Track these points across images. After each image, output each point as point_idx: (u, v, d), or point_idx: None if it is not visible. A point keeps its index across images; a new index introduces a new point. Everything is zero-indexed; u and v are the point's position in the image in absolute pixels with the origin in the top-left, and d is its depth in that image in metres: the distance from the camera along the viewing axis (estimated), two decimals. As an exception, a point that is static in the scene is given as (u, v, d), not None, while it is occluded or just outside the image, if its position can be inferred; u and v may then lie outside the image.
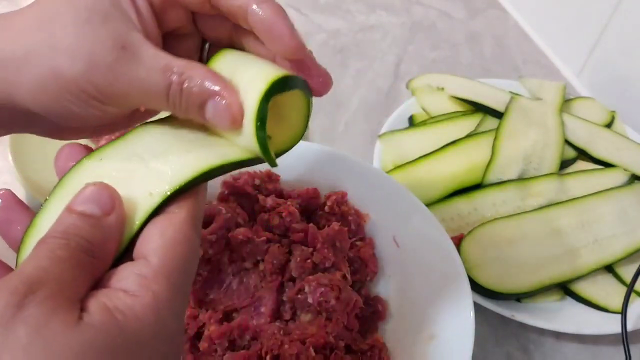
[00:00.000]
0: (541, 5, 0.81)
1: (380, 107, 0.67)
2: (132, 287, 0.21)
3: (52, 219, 0.23)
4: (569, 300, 0.49)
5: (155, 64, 0.25)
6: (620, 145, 0.59)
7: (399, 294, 0.44)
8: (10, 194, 0.27)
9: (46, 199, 0.26)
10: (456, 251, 0.43)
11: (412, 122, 0.62)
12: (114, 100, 0.26)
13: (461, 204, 0.52)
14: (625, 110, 0.62)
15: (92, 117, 0.26)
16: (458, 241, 0.48)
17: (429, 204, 0.49)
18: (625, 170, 0.55)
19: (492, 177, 0.53)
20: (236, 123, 0.25)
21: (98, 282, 0.22)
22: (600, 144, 0.58)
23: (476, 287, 0.45)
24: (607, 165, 0.56)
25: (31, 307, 0.19)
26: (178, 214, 0.24)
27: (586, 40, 0.71)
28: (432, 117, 0.61)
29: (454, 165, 0.54)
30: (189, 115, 0.26)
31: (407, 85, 0.66)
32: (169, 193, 0.24)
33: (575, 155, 0.58)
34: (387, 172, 0.53)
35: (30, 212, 0.27)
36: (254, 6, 0.26)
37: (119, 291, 0.21)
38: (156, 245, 0.23)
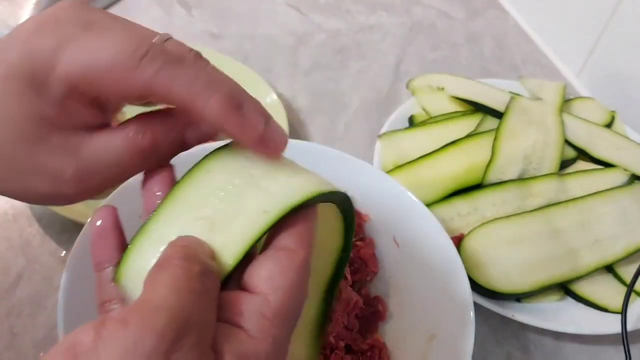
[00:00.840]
0: (541, 6, 0.81)
1: (380, 107, 0.67)
2: (253, 327, 0.21)
3: (166, 231, 0.23)
4: (569, 301, 0.49)
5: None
6: (620, 145, 0.59)
7: (399, 294, 0.44)
8: (110, 213, 0.25)
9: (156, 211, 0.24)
10: (456, 251, 0.43)
11: (412, 122, 0.62)
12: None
13: (461, 204, 0.52)
14: (625, 110, 0.62)
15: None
16: (458, 241, 0.48)
17: (429, 204, 0.49)
18: (625, 170, 0.55)
19: (492, 177, 0.53)
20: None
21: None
22: (600, 144, 0.58)
23: (476, 287, 0.45)
24: (607, 165, 0.56)
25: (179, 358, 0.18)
26: (298, 253, 0.23)
27: (586, 40, 0.71)
28: (432, 117, 0.61)
29: (454, 165, 0.54)
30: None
31: (407, 85, 0.66)
32: (284, 212, 0.23)
33: (575, 155, 0.58)
34: (387, 172, 0.53)
35: (123, 237, 0.25)
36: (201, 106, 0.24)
37: (241, 332, 0.21)
38: (278, 285, 0.22)
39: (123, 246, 0.24)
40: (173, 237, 0.23)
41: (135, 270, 0.23)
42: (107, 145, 0.26)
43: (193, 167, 0.25)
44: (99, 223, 0.25)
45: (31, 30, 0.25)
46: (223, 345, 0.20)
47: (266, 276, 0.22)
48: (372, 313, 0.43)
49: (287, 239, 0.24)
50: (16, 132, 0.24)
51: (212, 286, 0.21)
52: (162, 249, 0.22)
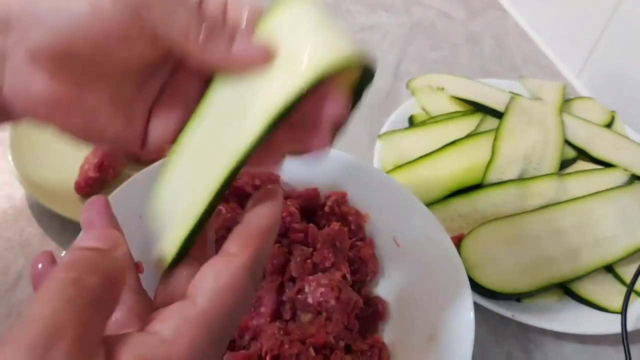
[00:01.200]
0: (541, 6, 0.81)
1: (380, 107, 0.67)
2: (169, 331, 0.21)
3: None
4: (569, 300, 0.49)
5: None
6: (620, 145, 0.59)
7: (399, 294, 0.44)
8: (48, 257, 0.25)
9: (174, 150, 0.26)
10: (456, 251, 0.43)
11: (412, 122, 0.62)
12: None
13: (461, 204, 0.52)
14: (625, 110, 0.62)
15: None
16: (458, 241, 0.48)
17: (429, 204, 0.49)
18: (625, 170, 0.55)
19: (492, 177, 0.53)
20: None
21: (142, 319, 0.22)
22: (600, 144, 0.58)
23: (476, 287, 0.45)
24: (607, 165, 0.56)
25: (60, 356, 0.17)
26: (237, 258, 0.23)
27: (586, 41, 0.71)
28: (432, 117, 0.61)
29: (454, 165, 0.54)
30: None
31: (407, 85, 0.66)
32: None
33: (575, 155, 0.58)
34: (387, 172, 0.53)
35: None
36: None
37: (152, 336, 0.21)
38: (207, 288, 0.22)
39: None
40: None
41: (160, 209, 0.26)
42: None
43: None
44: (39, 266, 0.24)
45: None
46: (122, 350, 0.19)
47: (199, 279, 0.22)
48: (372, 313, 0.43)
49: (230, 244, 0.24)
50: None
51: (93, 286, 0.20)
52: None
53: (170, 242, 0.26)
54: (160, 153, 0.28)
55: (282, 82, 0.24)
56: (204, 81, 0.27)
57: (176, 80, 0.28)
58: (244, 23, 0.25)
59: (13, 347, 0.17)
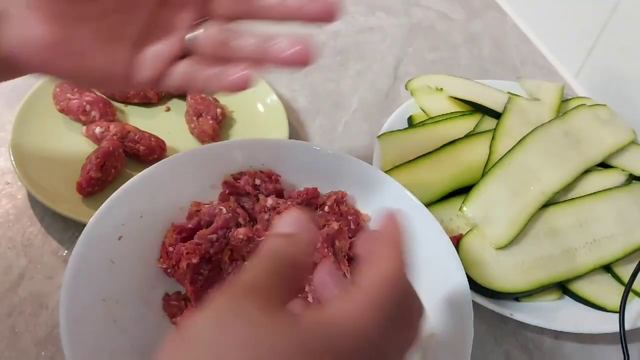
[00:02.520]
0: (539, 7, 0.81)
1: (380, 108, 0.67)
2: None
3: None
4: (568, 300, 0.49)
5: None
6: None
7: (399, 293, 0.45)
8: None
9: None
10: (455, 251, 0.43)
11: (411, 123, 0.62)
12: None
13: (460, 204, 0.52)
14: (623, 110, 0.63)
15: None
16: (457, 241, 0.48)
17: (428, 204, 0.49)
18: (623, 170, 0.55)
19: (490, 177, 0.53)
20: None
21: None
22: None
23: (475, 286, 0.46)
24: (605, 165, 0.57)
25: (247, 308, 0.21)
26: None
27: (584, 41, 0.72)
28: (431, 118, 0.61)
29: (453, 165, 0.54)
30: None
31: (406, 86, 0.66)
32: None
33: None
34: (387, 172, 0.54)
35: None
36: None
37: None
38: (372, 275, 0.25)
39: None
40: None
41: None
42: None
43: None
44: None
45: None
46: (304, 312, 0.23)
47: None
48: None
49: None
50: None
51: (286, 268, 0.24)
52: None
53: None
54: (149, 88, 0.31)
55: None
56: (192, 12, 0.29)
57: (163, 12, 0.31)
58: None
59: (225, 293, 0.22)
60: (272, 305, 0.22)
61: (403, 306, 0.25)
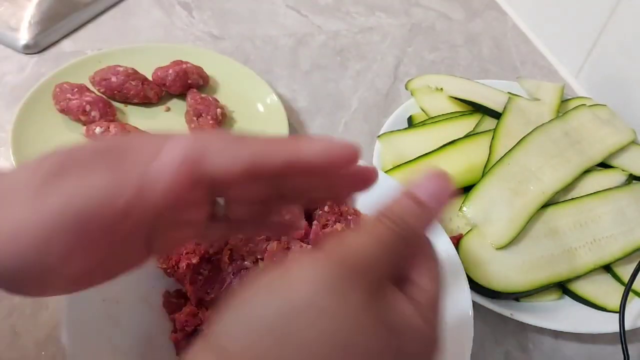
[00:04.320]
0: (539, 7, 0.81)
1: (380, 108, 0.67)
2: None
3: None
4: (568, 300, 0.49)
5: None
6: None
7: (399, 293, 0.45)
8: None
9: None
10: (455, 251, 0.43)
11: (411, 123, 0.62)
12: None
13: (460, 204, 0.52)
14: (623, 110, 0.63)
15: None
16: (457, 241, 0.48)
17: (428, 204, 0.49)
18: (623, 170, 0.55)
19: (490, 177, 0.53)
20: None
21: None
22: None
23: (475, 286, 0.46)
24: (605, 165, 0.57)
25: (358, 290, 0.21)
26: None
27: (584, 41, 0.72)
28: (431, 118, 0.61)
29: (453, 165, 0.54)
30: None
31: (406, 86, 0.66)
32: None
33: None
34: (387, 172, 0.54)
35: None
36: (305, 146, 0.25)
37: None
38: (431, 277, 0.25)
39: None
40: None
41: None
42: None
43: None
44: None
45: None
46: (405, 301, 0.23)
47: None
48: None
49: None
50: None
51: (404, 246, 0.24)
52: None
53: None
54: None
55: None
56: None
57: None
58: None
59: (320, 257, 0.21)
60: (376, 291, 0.21)
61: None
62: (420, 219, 0.24)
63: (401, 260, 0.23)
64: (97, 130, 0.53)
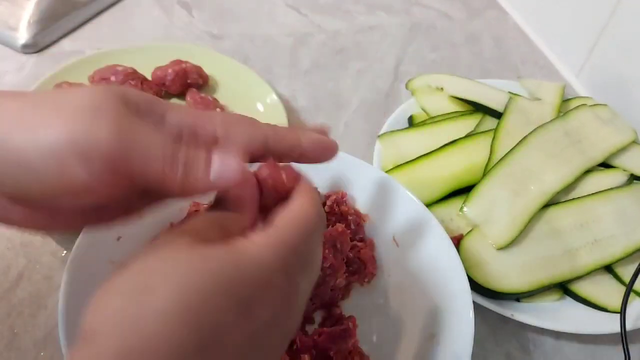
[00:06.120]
0: (540, 6, 0.81)
1: (380, 108, 0.67)
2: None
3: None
4: (568, 300, 0.49)
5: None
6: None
7: (399, 294, 0.45)
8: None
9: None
10: (456, 251, 0.43)
11: (411, 122, 0.62)
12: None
13: (460, 204, 0.52)
14: (624, 110, 0.63)
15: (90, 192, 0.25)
16: (457, 241, 0.48)
17: (428, 204, 0.49)
18: (624, 170, 0.55)
19: (491, 177, 0.53)
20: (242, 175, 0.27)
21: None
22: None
23: (476, 286, 0.46)
24: (606, 165, 0.56)
25: (182, 246, 0.23)
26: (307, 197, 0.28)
27: (585, 41, 0.72)
28: (432, 117, 0.61)
29: (454, 165, 0.54)
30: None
31: (407, 85, 0.66)
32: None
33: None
34: (387, 172, 0.54)
35: None
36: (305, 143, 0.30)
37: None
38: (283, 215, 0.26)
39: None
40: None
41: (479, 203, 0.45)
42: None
43: None
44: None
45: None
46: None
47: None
48: (343, 330, 0.40)
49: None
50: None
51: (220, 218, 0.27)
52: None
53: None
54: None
55: None
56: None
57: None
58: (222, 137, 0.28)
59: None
60: (199, 243, 0.24)
61: (310, 253, 0.27)
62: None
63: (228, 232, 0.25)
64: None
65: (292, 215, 0.26)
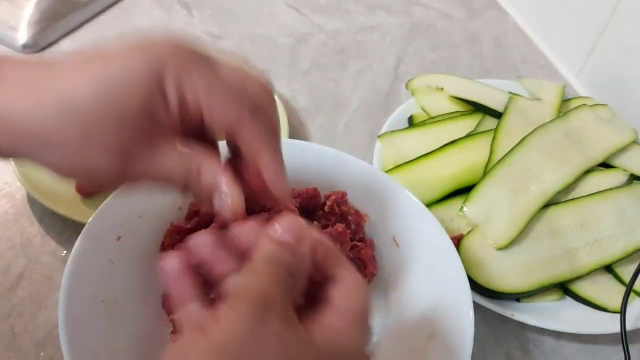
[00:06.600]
0: (540, 6, 0.81)
1: (380, 108, 0.67)
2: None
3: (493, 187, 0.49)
4: (569, 300, 0.49)
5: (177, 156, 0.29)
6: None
7: (399, 294, 0.44)
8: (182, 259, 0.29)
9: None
10: (456, 251, 0.43)
11: (411, 122, 0.62)
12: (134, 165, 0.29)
13: (461, 204, 0.52)
14: (624, 110, 0.63)
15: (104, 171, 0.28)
16: (457, 241, 0.48)
17: (428, 204, 0.49)
18: (624, 170, 0.55)
19: (491, 177, 0.53)
20: (236, 216, 0.29)
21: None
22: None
23: (476, 286, 0.46)
24: (606, 165, 0.56)
25: (274, 320, 0.23)
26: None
27: (585, 41, 0.72)
28: (432, 117, 0.61)
29: (454, 165, 0.54)
30: (201, 201, 0.30)
31: (407, 85, 0.66)
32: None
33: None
34: (387, 172, 0.54)
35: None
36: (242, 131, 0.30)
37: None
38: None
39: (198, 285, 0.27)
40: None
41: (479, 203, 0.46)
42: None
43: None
44: (174, 266, 0.27)
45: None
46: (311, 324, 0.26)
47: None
48: None
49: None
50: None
51: (289, 280, 0.26)
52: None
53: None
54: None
55: None
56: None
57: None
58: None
59: (237, 302, 0.24)
60: (287, 317, 0.24)
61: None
62: (295, 257, 0.27)
63: (294, 289, 0.26)
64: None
65: (351, 291, 0.27)
